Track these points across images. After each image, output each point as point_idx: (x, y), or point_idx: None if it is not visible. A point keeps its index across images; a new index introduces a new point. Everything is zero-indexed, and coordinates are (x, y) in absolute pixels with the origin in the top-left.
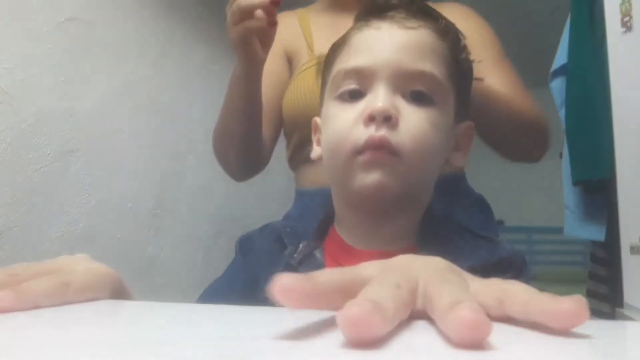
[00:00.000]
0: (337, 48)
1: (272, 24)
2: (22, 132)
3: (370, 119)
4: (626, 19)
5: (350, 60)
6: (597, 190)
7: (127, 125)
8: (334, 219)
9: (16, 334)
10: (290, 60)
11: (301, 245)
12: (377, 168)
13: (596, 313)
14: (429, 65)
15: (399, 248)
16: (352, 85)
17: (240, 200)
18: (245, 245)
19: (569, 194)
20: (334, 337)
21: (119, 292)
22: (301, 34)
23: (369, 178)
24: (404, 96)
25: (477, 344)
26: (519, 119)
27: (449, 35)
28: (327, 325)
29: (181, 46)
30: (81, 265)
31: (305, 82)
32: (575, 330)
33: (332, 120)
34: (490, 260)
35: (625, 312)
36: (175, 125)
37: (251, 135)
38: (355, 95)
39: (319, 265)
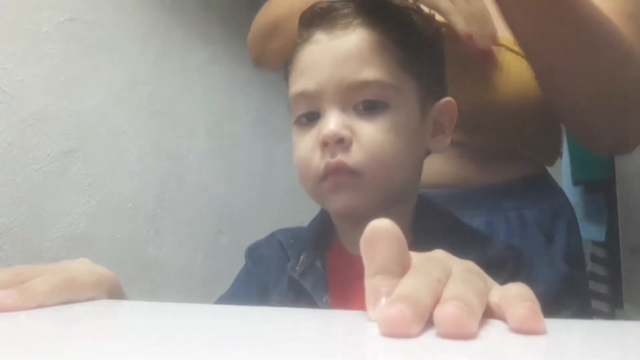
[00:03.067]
0: (288, 64)
1: None
2: (22, 132)
3: (325, 144)
4: None
5: (297, 83)
6: (597, 191)
7: (127, 125)
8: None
9: (16, 332)
10: None
11: (302, 257)
12: (342, 190)
13: (596, 313)
14: (373, 71)
15: None
16: (305, 110)
17: (240, 200)
18: (255, 253)
19: (569, 194)
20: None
21: (116, 294)
22: None
23: (338, 201)
24: (355, 109)
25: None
26: (622, 61)
27: (394, 22)
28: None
29: (181, 46)
30: (82, 267)
31: None
32: (575, 330)
33: (295, 148)
34: (480, 260)
35: (625, 312)
36: (175, 125)
37: None
38: (311, 117)
39: (320, 275)
